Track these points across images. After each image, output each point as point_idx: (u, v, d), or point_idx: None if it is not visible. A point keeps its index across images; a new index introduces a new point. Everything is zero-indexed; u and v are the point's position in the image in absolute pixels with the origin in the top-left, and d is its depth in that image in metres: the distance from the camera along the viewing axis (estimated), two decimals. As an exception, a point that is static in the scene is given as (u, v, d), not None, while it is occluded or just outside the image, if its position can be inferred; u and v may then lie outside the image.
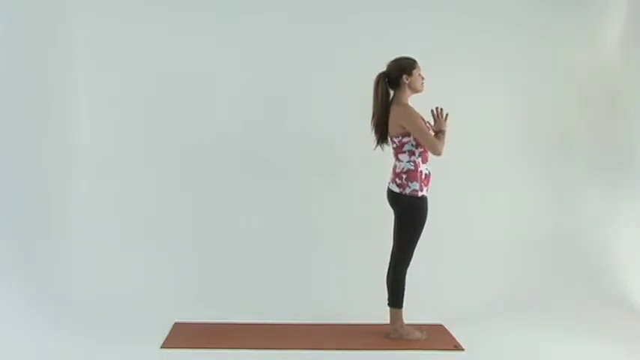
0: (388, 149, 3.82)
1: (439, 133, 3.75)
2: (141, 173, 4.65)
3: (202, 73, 4.64)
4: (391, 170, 3.80)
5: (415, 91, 3.76)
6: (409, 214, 3.73)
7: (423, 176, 3.71)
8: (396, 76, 3.73)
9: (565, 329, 4.04)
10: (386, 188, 3.81)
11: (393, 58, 3.75)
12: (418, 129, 3.65)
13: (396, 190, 3.72)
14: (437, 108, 3.79)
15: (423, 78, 3.76)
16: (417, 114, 3.69)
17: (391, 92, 3.77)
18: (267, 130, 4.69)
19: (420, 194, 3.70)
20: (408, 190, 3.69)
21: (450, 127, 3.78)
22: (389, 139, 3.79)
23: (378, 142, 3.80)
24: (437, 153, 3.68)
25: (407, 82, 3.72)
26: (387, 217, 3.81)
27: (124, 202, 4.64)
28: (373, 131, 3.79)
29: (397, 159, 3.76)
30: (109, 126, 4.62)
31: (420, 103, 3.75)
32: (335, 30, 4.67)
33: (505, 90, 4.77)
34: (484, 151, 4.72)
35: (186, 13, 4.63)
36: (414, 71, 3.73)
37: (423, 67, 3.77)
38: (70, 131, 4.54)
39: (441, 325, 4.05)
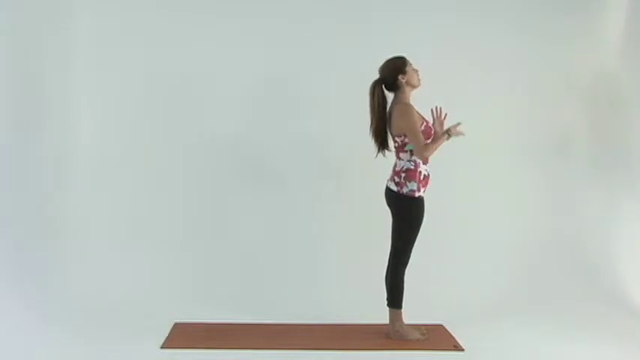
0: (389, 154, 3.82)
1: (439, 134, 3.75)
2: (141, 173, 4.65)
3: (203, 73, 4.64)
4: (391, 169, 3.81)
5: (413, 86, 3.76)
6: (405, 213, 3.73)
7: (422, 177, 3.71)
8: (392, 79, 3.74)
9: (565, 329, 4.04)
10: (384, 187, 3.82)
11: (383, 62, 3.76)
12: (411, 129, 3.65)
13: (394, 188, 3.73)
14: (437, 107, 3.79)
15: (416, 71, 3.77)
16: (415, 114, 3.69)
17: (390, 96, 3.78)
18: (268, 131, 4.69)
19: (417, 194, 3.70)
20: (405, 190, 3.69)
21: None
22: (391, 139, 3.79)
23: (378, 150, 3.81)
24: (422, 157, 3.67)
25: (404, 80, 3.73)
26: (386, 217, 3.81)
27: (124, 203, 4.64)
28: (373, 140, 3.79)
29: (398, 157, 3.77)
30: (109, 126, 4.62)
31: (420, 103, 3.75)
32: (335, 30, 4.67)
33: (505, 90, 4.77)
34: (484, 151, 4.72)
35: (187, 13, 4.63)
36: (407, 68, 3.74)
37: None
38: (70, 131, 4.54)
39: (441, 325, 4.05)
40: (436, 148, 3.69)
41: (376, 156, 3.80)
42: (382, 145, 3.79)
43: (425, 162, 3.70)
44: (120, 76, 4.61)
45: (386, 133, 3.77)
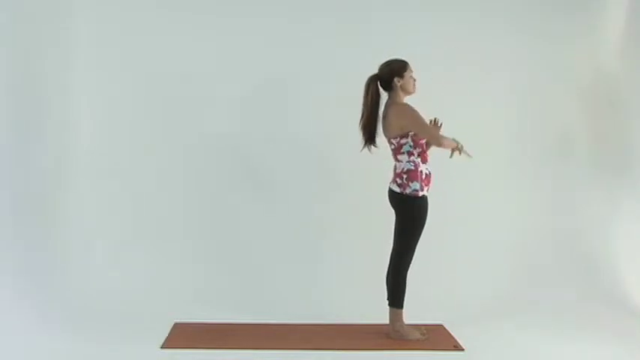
0: (379, 150, 3.80)
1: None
2: (141, 173, 4.65)
3: (203, 73, 4.64)
4: (392, 171, 3.80)
5: (407, 93, 3.77)
6: (410, 213, 3.73)
7: (424, 176, 3.71)
8: (388, 79, 3.74)
9: (565, 329, 4.04)
10: (387, 188, 3.81)
11: (385, 60, 3.76)
12: (417, 123, 3.66)
13: (397, 189, 3.72)
14: (434, 119, 3.83)
15: (414, 80, 3.77)
16: (416, 110, 3.69)
17: (384, 94, 3.78)
18: (268, 131, 4.69)
19: (420, 194, 3.70)
20: (408, 190, 3.69)
21: (450, 128, 3.79)
22: (387, 140, 3.79)
23: (365, 144, 3.80)
24: (438, 143, 3.68)
25: (399, 84, 3.73)
26: (387, 217, 3.81)
27: (124, 202, 4.64)
28: (361, 133, 3.78)
29: (396, 160, 3.77)
30: (109, 126, 4.62)
31: (421, 103, 3.74)
32: (335, 30, 4.67)
33: (505, 90, 4.77)
34: (484, 152, 4.69)
35: (187, 14, 4.63)
36: (406, 73, 3.73)
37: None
38: (70, 131, 4.54)
39: (441, 325, 4.05)
40: (447, 140, 3.69)
41: (362, 150, 3.79)
42: (369, 139, 3.78)
43: (440, 146, 3.69)
44: (120, 76, 4.61)
45: (375, 127, 3.77)
